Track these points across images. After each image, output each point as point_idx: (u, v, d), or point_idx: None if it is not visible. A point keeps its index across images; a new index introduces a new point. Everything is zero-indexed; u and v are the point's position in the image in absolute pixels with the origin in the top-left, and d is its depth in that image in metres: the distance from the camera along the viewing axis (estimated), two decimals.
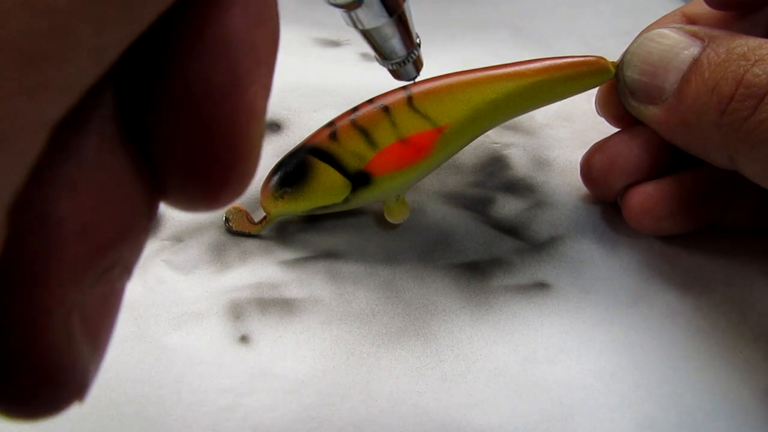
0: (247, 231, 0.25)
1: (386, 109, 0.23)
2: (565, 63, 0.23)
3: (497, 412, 0.21)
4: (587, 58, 0.24)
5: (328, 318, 0.23)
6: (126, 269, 0.11)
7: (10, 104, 0.07)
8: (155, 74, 0.10)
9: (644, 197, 0.24)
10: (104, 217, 0.10)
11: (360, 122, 0.23)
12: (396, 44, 0.19)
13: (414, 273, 0.24)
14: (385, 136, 0.23)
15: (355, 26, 0.19)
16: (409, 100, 0.23)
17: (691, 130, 0.21)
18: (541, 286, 0.24)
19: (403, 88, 0.24)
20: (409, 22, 0.19)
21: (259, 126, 0.11)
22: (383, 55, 0.20)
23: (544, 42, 0.34)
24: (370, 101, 0.24)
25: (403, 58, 0.20)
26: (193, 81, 0.10)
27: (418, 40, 0.20)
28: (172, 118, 0.10)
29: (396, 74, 0.21)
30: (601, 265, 0.25)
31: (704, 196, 0.24)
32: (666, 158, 0.24)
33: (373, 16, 0.18)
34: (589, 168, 0.25)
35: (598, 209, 0.27)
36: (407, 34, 0.19)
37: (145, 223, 0.11)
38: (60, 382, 0.10)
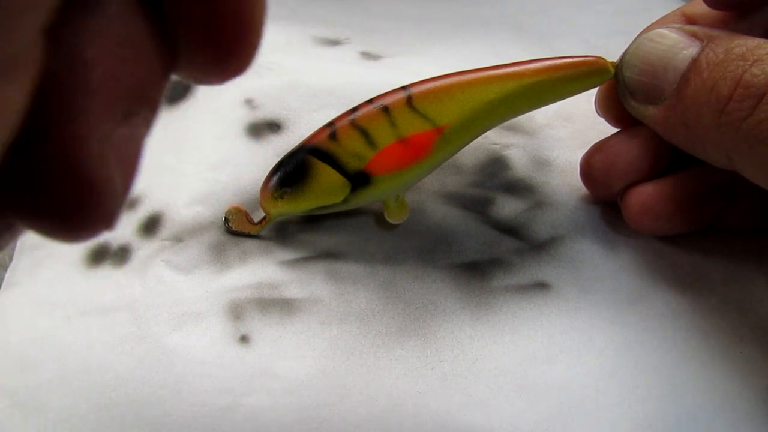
0: (246, 231, 0.25)
1: (386, 109, 0.23)
2: (564, 63, 0.23)
3: (497, 412, 0.21)
4: (587, 58, 0.24)
5: (328, 318, 0.23)
6: (145, 119, 0.12)
7: None
8: None
9: (644, 197, 0.24)
10: (126, 67, 0.11)
11: (360, 122, 0.23)
12: None
13: (414, 273, 0.24)
14: (384, 136, 0.23)
15: None
16: (409, 100, 0.23)
17: (690, 130, 0.21)
18: (541, 286, 0.24)
19: (403, 88, 0.24)
20: None
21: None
22: None
23: (544, 41, 0.34)
24: (370, 101, 0.24)
25: None
26: None
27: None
28: None
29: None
30: (601, 265, 0.25)
31: (704, 196, 0.24)
32: (665, 158, 0.24)
33: None
34: (588, 168, 0.25)
35: (598, 209, 0.27)
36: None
37: (161, 84, 0.12)
38: (97, 200, 0.11)
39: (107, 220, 0.11)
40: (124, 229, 0.25)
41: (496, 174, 0.28)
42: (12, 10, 0.08)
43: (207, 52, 0.12)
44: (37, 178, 0.10)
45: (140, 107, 0.12)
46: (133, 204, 0.26)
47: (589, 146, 0.26)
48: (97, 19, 0.11)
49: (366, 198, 0.24)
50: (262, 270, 0.24)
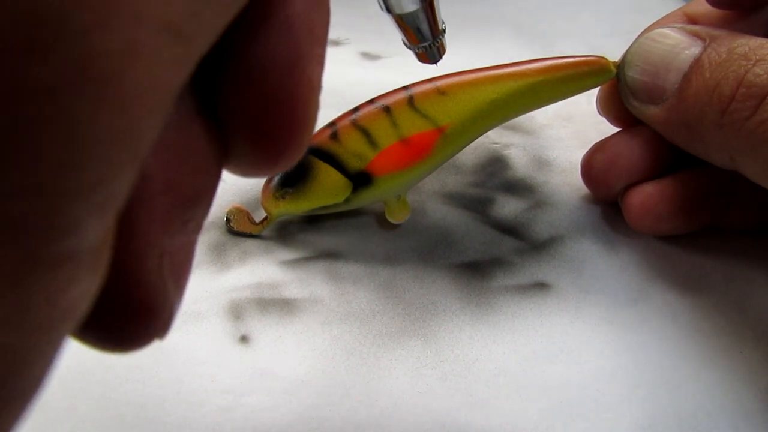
0: (248, 231, 0.25)
1: (387, 109, 0.23)
2: (566, 63, 0.23)
3: (497, 412, 0.21)
4: (588, 58, 0.24)
5: (328, 318, 0.23)
6: (198, 224, 0.12)
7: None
8: (227, 52, 0.11)
9: (644, 197, 0.24)
10: (184, 176, 0.11)
11: (361, 122, 0.23)
12: (425, 29, 0.21)
13: (414, 273, 0.24)
14: (385, 136, 0.23)
15: (389, 11, 0.20)
16: (410, 100, 0.23)
17: (692, 130, 0.21)
18: (541, 286, 0.24)
19: (404, 88, 0.24)
20: (437, 8, 0.21)
21: (317, 98, 0.12)
22: (412, 39, 0.21)
23: (546, 41, 0.34)
24: (371, 101, 0.24)
25: (430, 42, 0.21)
26: (261, 58, 0.11)
27: (443, 26, 0.21)
28: (241, 90, 0.11)
29: (422, 57, 0.22)
30: (601, 265, 0.25)
31: (705, 197, 0.24)
32: (666, 158, 0.24)
33: (407, 1, 0.20)
34: (589, 168, 0.25)
35: (598, 209, 0.27)
36: (435, 20, 0.21)
37: (214, 184, 0.12)
38: (153, 315, 0.11)
39: (161, 332, 0.11)
40: None
41: (496, 174, 0.28)
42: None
43: (259, 150, 0.12)
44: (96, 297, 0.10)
45: (195, 212, 0.12)
46: None
47: (590, 146, 0.26)
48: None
49: (367, 198, 0.24)
50: (262, 270, 0.24)
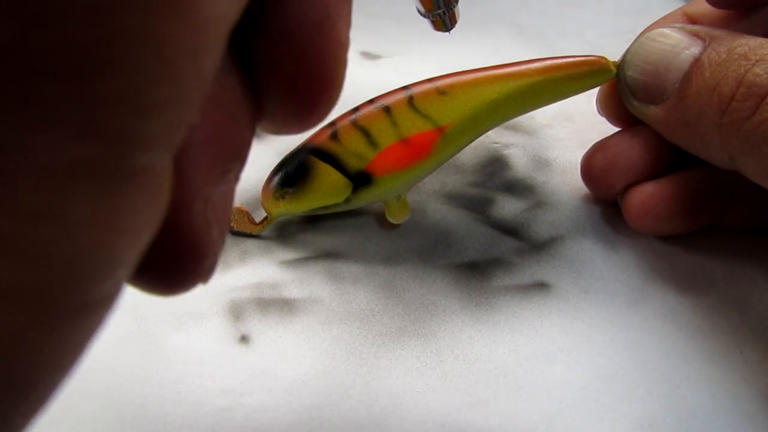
0: (248, 231, 0.25)
1: (387, 109, 0.23)
2: (566, 63, 0.23)
3: (497, 412, 0.21)
4: (588, 58, 0.24)
5: (328, 318, 0.23)
6: (237, 175, 0.13)
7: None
8: (260, 10, 0.11)
9: (645, 197, 0.24)
10: (224, 127, 0.12)
11: (361, 122, 0.23)
12: None
13: (414, 273, 0.24)
14: (386, 136, 0.23)
15: None
16: (410, 100, 0.23)
17: (692, 130, 0.21)
18: (541, 286, 0.24)
19: (404, 88, 0.24)
20: None
21: (345, 54, 0.12)
22: (427, 7, 0.23)
23: (546, 41, 0.34)
24: (371, 101, 0.24)
25: (443, 9, 0.23)
26: (293, 16, 0.11)
27: None
28: (274, 48, 0.12)
29: (436, 24, 0.24)
30: (601, 265, 0.25)
31: (705, 196, 0.24)
32: (667, 158, 0.24)
33: None
34: (589, 167, 0.25)
35: (598, 209, 0.27)
36: None
37: (250, 138, 0.13)
38: (200, 258, 0.11)
39: (205, 276, 0.12)
40: None
41: (496, 174, 0.28)
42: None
43: (292, 106, 0.12)
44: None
45: (234, 164, 0.12)
46: None
47: (589, 146, 0.26)
48: None
49: (367, 198, 0.24)
50: (262, 270, 0.24)
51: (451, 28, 0.24)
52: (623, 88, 0.23)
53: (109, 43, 0.08)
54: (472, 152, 0.28)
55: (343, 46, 0.12)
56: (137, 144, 0.08)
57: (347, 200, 0.24)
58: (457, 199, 0.27)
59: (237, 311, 0.23)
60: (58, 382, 0.09)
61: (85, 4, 0.07)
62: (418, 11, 0.23)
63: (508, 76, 0.23)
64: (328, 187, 0.23)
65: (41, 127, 0.08)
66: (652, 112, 0.22)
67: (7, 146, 0.08)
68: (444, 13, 0.23)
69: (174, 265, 0.11)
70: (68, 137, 0.08)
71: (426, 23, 0.24)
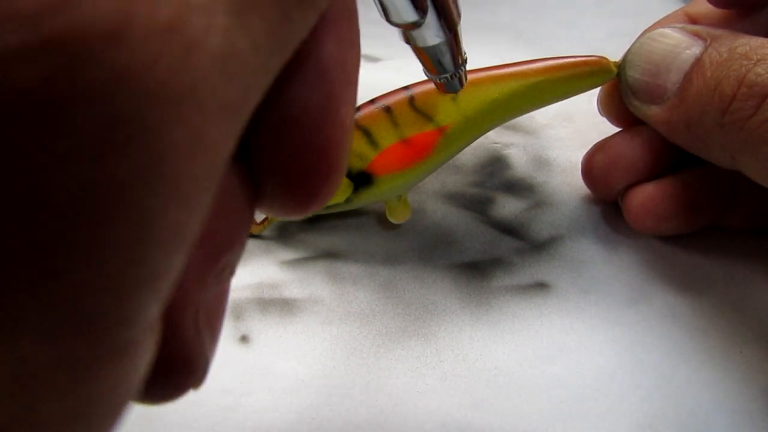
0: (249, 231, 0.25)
1: (388, 110, 0.23)
2: (567, 63, 0.23)
3: (497, 412, 0.21)
4: (589, 58, 0.24)
5: (328, 318, 0.23)
6: (231, 271, 0.12)
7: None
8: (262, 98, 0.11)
9: (645, 197, 0.24)
10: (220, 225, 0.11)
11: (361, 122, 0.23)
12: (447, 61, 0.20)
13: (414, 273, 0.24)
14: (386, 137, 0.23)
15: (411, 44, 0.19)
16: (411, 100, 0.23)
17: (693, 130, 0.21)
18: (541, 286, 0.24)
19: (405, 88, 0.24)
20: (461, 39, 0.20)
21: (349, 138, 0.12)
22: (432, 71, 0.21)
23: (546, 44, 0.34)
24: (372, 101, 0.24)
25: (452, 73, 0.20)
26: (296, 103, 0.11)
27: (465, 56, 0.20)
28: (275, 135, 0.11)
29: (442, 87, 0.22)
30: (601, 265, 0.25)
31: (705, 197, 0.24)
32: (667, 158, 0.24)
33: (431, 35, 0.19)
34: (590, 167, 0.25)
35: (598, 209, 0.27)
36: (458, 52, 0.20)
37: (247, 227, 0.12)
38: (191, 369, 0.11)
39: (197, 383, 0.11)
40: None
41: (496, 174, 0.28)
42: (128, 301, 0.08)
43: (293, 193, 0.11)
44: None
45: (230, 259, 0.11)
46: None
47: (590, 146, 0.26)
48: None
49: (368, 198, 0.24)
50: (262, 270, 0.24)
51: (459, 89, 0.22)
52: (624, 88, 0.23)
53: (87, 227, 0.07)
54: (472, 152, 0.28)
55: (346, 131, 0.11)
56: (122, 323, 0.08)
57: (348, 200, 0.24)
58: (457, 199, 0.27)
59: (237, 311, 0.23)
60: None
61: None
62: (425, 73, 0.21)
63: (509, 76, 0.23)
64: None
65: (3, 338, 0.07)
66: (653, 112, 0.22)
67: None
68: (452, 76, 0.21)
69: (165, 379, 0.10)
70: (36, 341, 0.07)
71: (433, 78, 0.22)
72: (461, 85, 0.21)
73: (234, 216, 0.11)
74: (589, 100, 0.26)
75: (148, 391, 0.10)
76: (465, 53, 0.21)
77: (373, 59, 0.32)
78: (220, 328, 0.12)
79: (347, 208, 0.24)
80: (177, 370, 0.11)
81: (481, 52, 0.33)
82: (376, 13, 0.20)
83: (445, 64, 0.20)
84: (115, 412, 0.09)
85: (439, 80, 0.21)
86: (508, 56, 0.33)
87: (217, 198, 0.10)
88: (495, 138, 0.29)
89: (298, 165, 0.11)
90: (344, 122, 0.11)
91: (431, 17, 0.18)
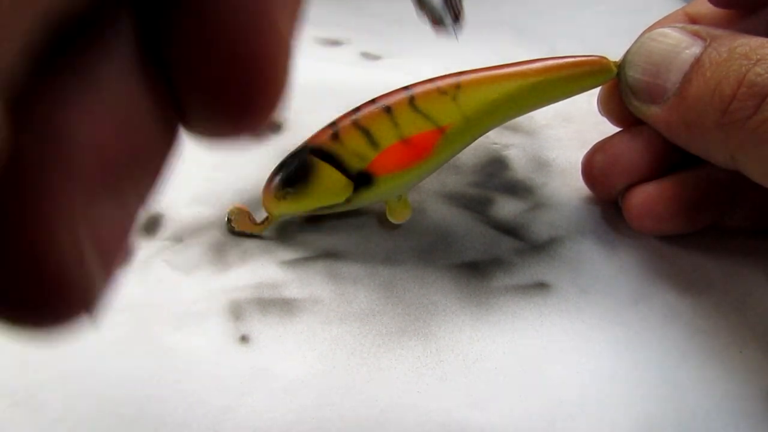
0: (249, 231, 0.25)
1: (388, 110, 0.23)
2: (567, 63, 0.23)
3: (497, 412, 0.21)
4: (589, 58, 0.24)
5: (328, 318, 0.23)
6: (140, 197, 0.10)
7: None
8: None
9: (645, 197, 0.24)
10: (119, 138, 0.09)
11: (362, 122, 0.23)
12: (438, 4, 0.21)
13: (414, 273, 0.24)
14: (386, 137, 0.23)
15: None
16: (411, 100, 0.23)
17: (693, 130, 0.21)
18: (541, 286, 0.24)
19: (405, 88, 0.24)
20: None
21: (285, 49, 0.10)
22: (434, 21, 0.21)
23: (546, 42, 0.34)
24: (372, 101, 0.24)
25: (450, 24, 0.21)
26: (215, 2, 0.09)
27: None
28: (189, 40, 0.09)
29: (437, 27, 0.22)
30: (601, 265, 0.25)
31: (705, 197, 0.24)
32: (667, 158, 0.24)
33: None
34: (590, 167, 0.25)
35: (598, 210, 0.27)
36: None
37: (163, 151, 0.10)
38: (65, 291, 0.09)
39: (80, 310, 0.10)
40: None
41: (496, 174, 0.28)
42: None
43: (220, 113, 0.10)
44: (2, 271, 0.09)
45: (134, 178, 0.10)
46: None
47: (589, 146, 0.26)
48: (86, 86, 0.09)
49: (368, 198, 0.24)
50: (262, 270, 0.24)
51: (459, 27, 0.22)
52: (624, 88, 0.23)
53: None
54: (472, 152, 0.28)
55: (281, 39, 0.10)
56: None
57: (348, 200, 0.24)
58: (457, 199, 0.27)
59: (237, 311, 0.23)
60: None
61: None
62: (418, 14, 0.22)
63: (509, 76, 0.23)
64: (329, 187, 0.23)
65: None
66: (652, 112, 0.22)
67: None
68: (450, 24, 0.21)
69: (34, 297, 0.09)
70: None
71: (427, 24, 0.23)
72: (459, 22, 0.22)
73: (140, 130, 0.10)
74: (589, 101, 0.26)
75: (22, 313, 0.09)
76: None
77: (374, 57, 0.33)
78: (117, 261, 0.10)
79: (348, 208, 0.24)
80: (48, 288, 0.09)
81: (482, 50, 0.33)
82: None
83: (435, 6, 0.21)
84: None
85: (435, 19, 0.21)
86: (509, 54, 0.33)
87: (117, 103, 0.09)
88: (495, 138, 0.29)
89: (222, 81, 0.09)
90: (279, 31, 0.09)
91: None
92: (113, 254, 0.10)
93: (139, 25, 0.09)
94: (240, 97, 0.10)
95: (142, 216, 0.11)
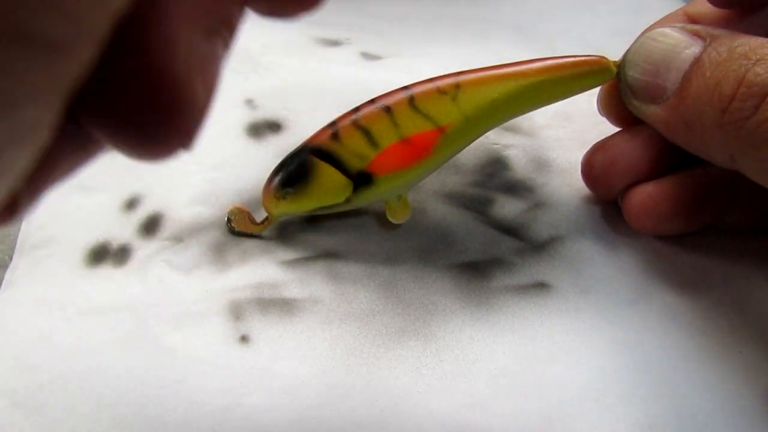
0: (249, 231, 0.25)
1: (388, 109, 0.23)
2: (567, 62, 0.23)
3: (497, 412, 0.21)
4: (589, 58, 0.24)
5: (328, 318, 0.23)
6: (224, 41, 0.12)
7: None
8: None
9: (645, 197, 0.24)
10: None
11: (361, 122, 0.23)
12: None
13: (414, 273, 0.24)
14: (386, 136, 0.23)
15: None
16: (411, 100, 0.23)
17: (693, 130, 0.21)
18: (541, 286, 0.24)
19: (405, 88, 0.24)
20: None
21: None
22: None
23: (546, 42, 0.34)
24: (372, 101, 0.24)
25: None
26: None
27: None
28: None
29: None
30: (601, 265, 0.25)
31: (705, 197, 0.24)
32: (667, 158, 0.24)
33: None
34: (590, 167, 0.25)
35: (598, 209, 0.27)
36: None
37: (238, 8, 0.12)
38: (182, 111, 0.11)
39: (187, 137, 0.11)
40: (123, 229, 0.25)
41: (496, 174, 0.28)
42: None
43: None
44: (124, 85, 0.10)
45: (221, 26, 0.12)
46: (133, 204, 0.26)
47: (589, 146, 0.26)
48: None
49: (368, 198, 0.24)
50: (262, 270, 0.24)
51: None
52: (624, 88, 0.23)
53: None
54: (472, 152, 0.28)
55: None
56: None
57: (348, 200, 0.24)
58: (457, 199, 0.27)
59: (237, 311, 0.23)
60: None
61: None
62: None
63: (509, 75, 0.23)
64: (329, 187, 0.23)
65: None
66: (652, 112, 0.22)
67: None
68: None
69: (156, 113, 0.11)
70: None
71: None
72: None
73: None
74: (589, 100, 0.26)
75: (142, 130, 0.11)
76: None
77: (374, 57, 0.33)
78: (212, 94, 0.12)
79: (347, 208, 0.24)
80: (170, 103, 0.11)
81: (482, 50, 0.33)
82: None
83: None
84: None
85: None
86: (508, 53, 0.33)
87: None
88: (495, 139, 0.29)
89: None
90: None
91: None
92: (210, 88, 0.12)
93: None
94: None
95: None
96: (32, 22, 0.08)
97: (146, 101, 0.11)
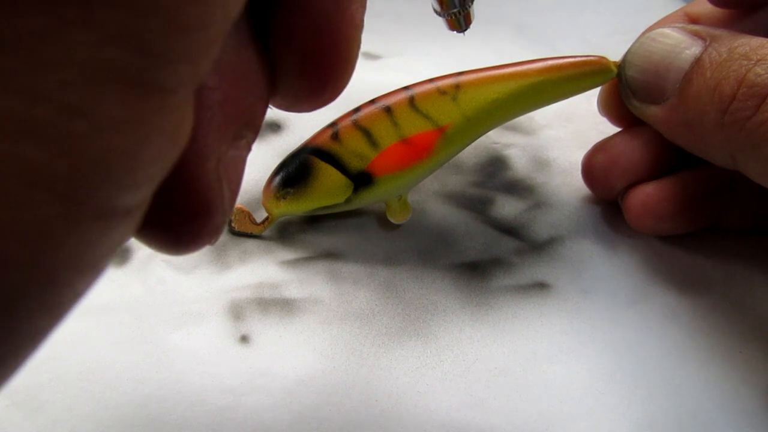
0: (249, 231, 0.25)
1: (388, 110, 0.23)
2: (567, 63, 0.23)
3: (497, 412, 0.21)
4: (589, 58, 0.24)
5: (328, 318, 0.23)
6: (248, 143, 0.13)
7: None
8: None
9: (645, 197, 0.24)
10: (239, 93, 0.12)
11: (362, 122, 0.23)
12: None
13: (414, 273, 0.24)
14: (386, 137, 0.23)
15: None
16: (411, 100, 0.23)
17: (693, 130, 0.21)
18: (541, 286, 0.24)
19: (405, 88, 0.24)
20: None
21: (358, 36, 0.13)
22: (443, 5, 0.23)
23: (546, 41, 0.34)
24: (372, 101, 0.24)
25: (458, 9, 0.23)
26: None
27: None
28: (290, 23, 0.12)
29: (450, 24, 0.24)
30: (601, 266, 0.25)
31: (705, 197, 0.24)
32: (667, 158, 0.24)
33: None
34: (590, 167, 0.25)
35: (598, 209, 0.27)
36: None
37: (263, 109, 0.13)
38: (209, 215, 0.12)
39: (213, 234, 0.12)
40: None
41: (496, 174, 0.28)
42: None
43: (305, 82, 0.13)
44: (158, 195, 0.11)
45: (247, 130, 0.13)
46: None
47: (589, 146, 0.26)
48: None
49: (368, 198, 0.24)
50: (262, 270, 0.24)
51: (466, 29, 0.24)
52: (624, 88, 0.23)
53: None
54: (472, 152, 0.28)
55: (357, 26, 0.13)
56: (166, 58, 0.09)
57: (348, 200, 0.24)
58: (457, 199, 0.27)
59: (237, 311, 0.23)
60: (74, 288, 0.10)
61: None
62: (434, 10, 0.23)
63: (509, 76, 0.23)
64: (329, 188, 0.23)
65: (82, 26, 0.08)
66: (652, 112, 0.22)
67: (51, 37, 0.08)
68: (459, 12, 0.23)
69: (184, 218, 0.12)
70: (105, 39, 0.08)
71: (430, 23, 0.24)
72: (467, 24, 0.23)
73: (252, 93, 0.13)
74: (588, 101, 0.26)
75: (171, 230, 0.12)
76: None
77: (374, 57, 0.33)
78: (236, 191, 0.13)
79: (348, 208, 0.24)
80: (198, 209, 0.12)
81: (482, 49, 0.33)
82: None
83: (454, 0, 0.23)
84: (158, 151, 0.10)
85: (448, 16, 0.23)
86: (509, 52, 0.33)
87: (238, 68, 0.12)
88: (495, 138, 0.29)
89: (311, 54, 0.13)
90: (354, 18, 0.13)
91: None
92: (234, 189, 0.13)
93: (250, 7, 0.12)
94: (322, 68, 0.13)
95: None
96: (108, 198, 0.09)
97: (178, 209, 0.12)
